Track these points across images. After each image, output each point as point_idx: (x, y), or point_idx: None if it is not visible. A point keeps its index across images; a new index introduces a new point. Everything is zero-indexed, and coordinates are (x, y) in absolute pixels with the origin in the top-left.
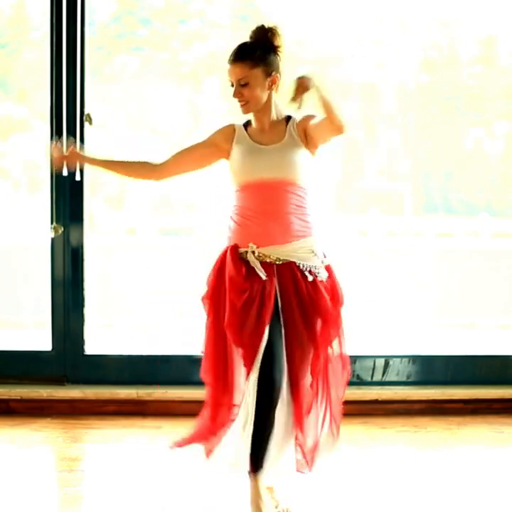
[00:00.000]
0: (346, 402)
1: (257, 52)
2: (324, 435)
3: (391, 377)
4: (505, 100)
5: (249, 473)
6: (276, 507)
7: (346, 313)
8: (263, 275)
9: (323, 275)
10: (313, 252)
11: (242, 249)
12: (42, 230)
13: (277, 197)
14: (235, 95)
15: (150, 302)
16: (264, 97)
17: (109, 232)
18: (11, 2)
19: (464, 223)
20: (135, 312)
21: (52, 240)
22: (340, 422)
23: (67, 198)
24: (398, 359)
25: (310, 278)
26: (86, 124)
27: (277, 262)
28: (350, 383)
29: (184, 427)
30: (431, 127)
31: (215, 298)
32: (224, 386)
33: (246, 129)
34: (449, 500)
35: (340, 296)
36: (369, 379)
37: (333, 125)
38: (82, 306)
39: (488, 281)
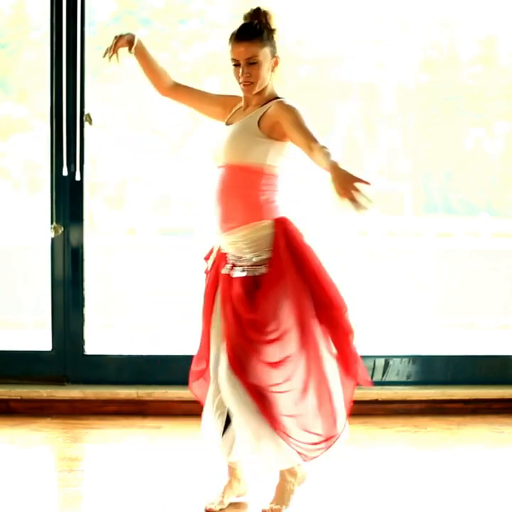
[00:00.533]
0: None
1: (264, 32)
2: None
3: (391, 377)
4: (505, 100)
5: None
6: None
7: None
8: (208, 266)
9: (240, 273)
10: (238, 244)
11: None
12: (42, 230)
13: (229, 180)
14: (243, 74)
15: (150, 302)
16: (268, 78)
17: (109, 232)
18: (11, 2)
19: (463, 223)
20: (135, 312)
21: (52, 240)
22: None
23: (67, 198)
24: (398, 359)
25: (232, 273)
26: (86, 124)
27: (221, 252)
28: None
29: (184, 427)
30: (431, 127)
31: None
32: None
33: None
34: (449, 501)
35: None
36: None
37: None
38: (82, 306)
39: (488, 281)
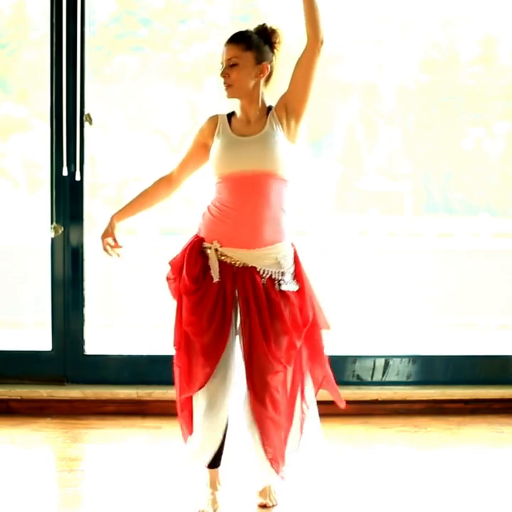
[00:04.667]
0: (346, 402)
1: (253, 38)
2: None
3: (391, 377)
4: (505, 100)
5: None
6: (264, 499)
7: (345, 313)
8: (215, 277)
9: (289, 286)
10: (277, 260)
11: (206, 244)
12: (42, 230)
13: (256, 189)
14: (221, 75)
15: (150, 302)
16: (250, 84)
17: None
18: (11, 2)
19: (463, 223)
20: (135, 312)
21: (52, 240)
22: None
23: (67, 198)
24: (398, 359)
25: (275, 285)
26: (86, 124)
27: (237, 265)
28: (351, 383)
29: None
30: (431, 127)
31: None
32: (189, 376)
33: (230, 120)
34: (449, 501)
35: (306, 313)
36: (369, 379)
37: (314, 34)
38: (82, 306)
39: (488, 281)
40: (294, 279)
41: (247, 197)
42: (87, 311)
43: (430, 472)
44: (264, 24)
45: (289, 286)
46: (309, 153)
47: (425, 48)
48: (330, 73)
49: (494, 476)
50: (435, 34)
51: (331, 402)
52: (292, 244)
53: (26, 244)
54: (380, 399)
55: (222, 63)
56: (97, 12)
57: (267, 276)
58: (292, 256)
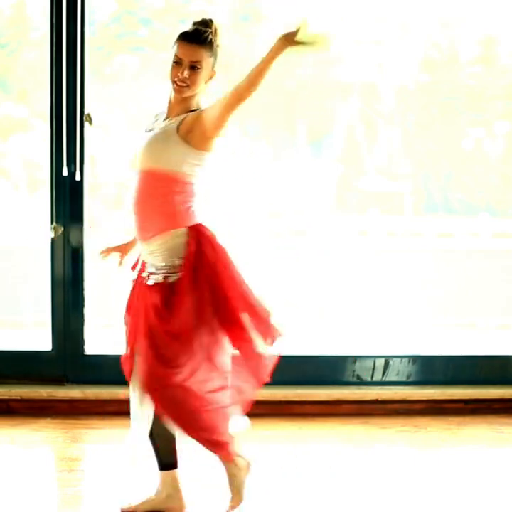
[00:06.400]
0: (346, 402)
1: (214, 43)
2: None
3: (391, 377)
4: (505, 100)
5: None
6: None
7: (345, 313)
8: (134, 274)
9: (158, 278)
10: (159, 251)
11: None
12: (42, 230)
13: (145, 187)
14: (181, 74)
15: None
16: (201, 88)
17: (109, 232)
18: (11, 2)
19: (463, 223)
20: None
21: (52, 240)
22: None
23: (67, 198)
24: (398, 359)
25: (148, 281)
26: (86, 124)
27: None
28: (351, 383)
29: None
30: (431, 127)
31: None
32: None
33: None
34: (449, 501)
35: (177, 320)
36: (369, 379)
37: (249, 87)
38: (82, 306)
39: (488, 281)
40: (176, 270)
41: (138, 194)
42: (87, 311)
43: (430, 472)
44: (210, 21)
45: (153, 279)
46: (309, 153)
47: (425, 48)
48: (330, 73)
49: (494, 476)
50: (435, 34)
51: (331, 403)
52: (189, 233)
53: (26, 244)
54: (380, 399)
55: (180, 59)
56: (97, 12)
57: (148, 271)
58: (183, 246)
